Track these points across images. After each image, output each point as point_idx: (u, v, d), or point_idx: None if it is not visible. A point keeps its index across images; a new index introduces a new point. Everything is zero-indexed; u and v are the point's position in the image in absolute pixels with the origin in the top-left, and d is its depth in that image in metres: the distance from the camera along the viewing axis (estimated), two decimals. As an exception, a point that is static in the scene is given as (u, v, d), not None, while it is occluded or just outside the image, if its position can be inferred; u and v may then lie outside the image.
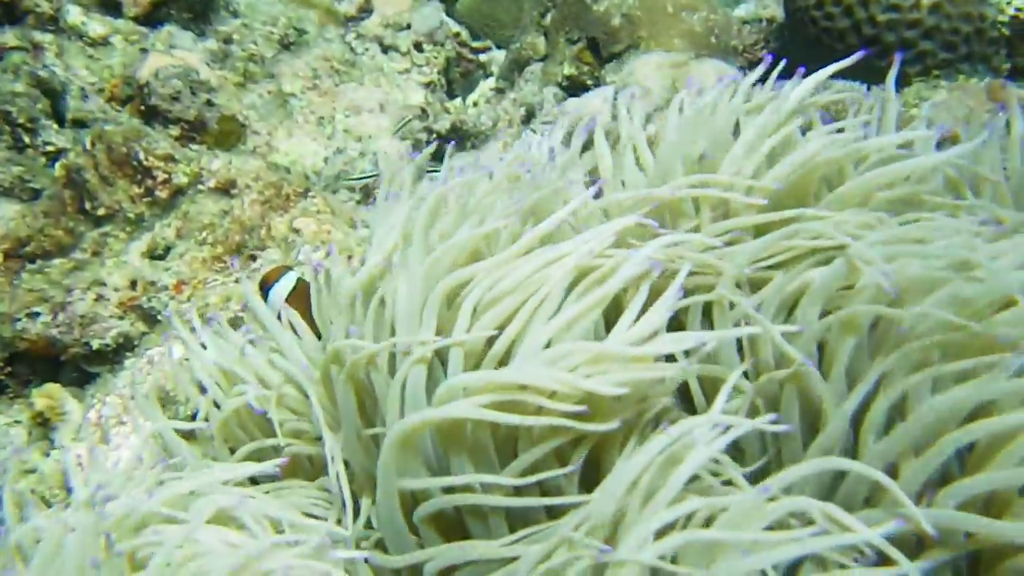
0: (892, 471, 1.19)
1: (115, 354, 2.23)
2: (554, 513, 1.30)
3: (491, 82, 3.40)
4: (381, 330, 1.44)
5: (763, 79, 1.70)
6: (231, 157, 2.46)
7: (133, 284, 2.28)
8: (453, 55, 3.31)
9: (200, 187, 2.39)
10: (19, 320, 2.23)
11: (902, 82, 2.61)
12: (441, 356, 1.39)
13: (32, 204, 2.43)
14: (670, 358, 1.34)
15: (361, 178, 2.72)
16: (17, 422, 2.17)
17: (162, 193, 2.38)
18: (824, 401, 1.28)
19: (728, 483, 1.26)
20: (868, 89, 2.23)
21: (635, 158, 1.67)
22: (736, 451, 1.38)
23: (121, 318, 2.25)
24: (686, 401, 1.44)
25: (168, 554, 1.22)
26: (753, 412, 1.35)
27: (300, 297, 1.75)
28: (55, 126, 2.65)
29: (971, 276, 1.25)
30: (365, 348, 1.37)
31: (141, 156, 2.38)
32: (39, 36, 2.77)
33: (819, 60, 2.86)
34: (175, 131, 2.69)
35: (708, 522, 1.15)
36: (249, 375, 1.57)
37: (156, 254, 2.34)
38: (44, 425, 2.09)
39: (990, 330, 1.19)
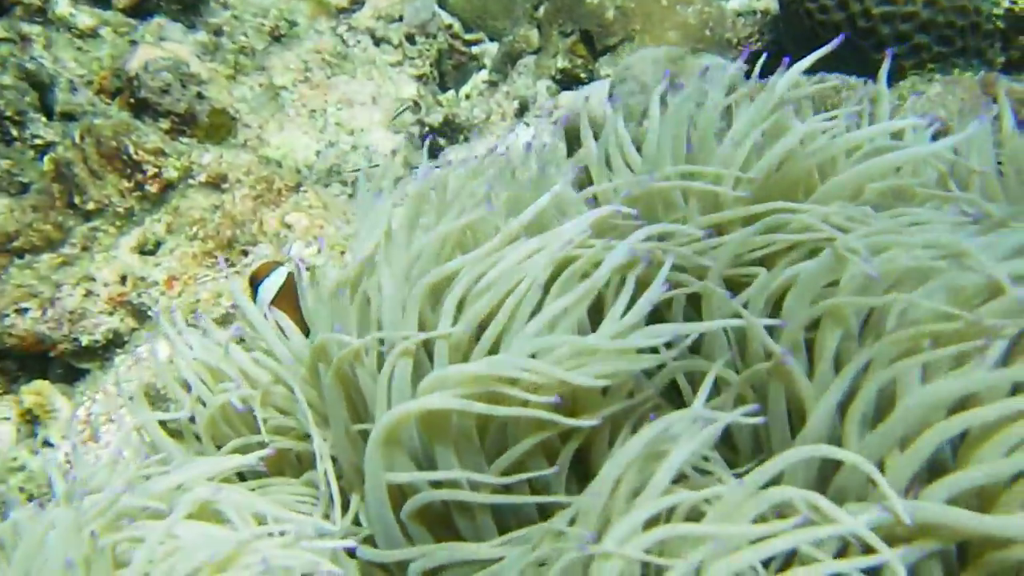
0: (879, 468, 1.17)
1: (105, 350, 2.21)
2: (543, 510, 1.31)
3: (484, 75, 3.37)
4: (367, 326, 1.44)
5: (748, 74, 1.69)
6: (222, 151, 2.44)
7: (123, 279, 2.26)
8: (445, 47, 3.29)
9: (191, 181, 2.37)
10: (7, 316, 2.21)
11: (897, 75, 2.60)
12: (429, 352, 1.40)
13: (20, 198, 2.41)
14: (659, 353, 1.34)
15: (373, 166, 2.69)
16: (6, 419, 2.14)
17: (152, 187, 2.36)
18: (804, 395, 1.28)
19: (719, 480, 1.26)
20: (865, 83, 2.22)
21: (621, 152, 1.67)
22: (730, 449, 1.38)
23: (111, 314, 2.23)
24: (677, 396, 1.43)
25: (151, 551, 1.23)
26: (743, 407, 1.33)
27: (290, 293, 1.73)
28: (43, 119, 2.63)
29: (960, 265, 1.25)
30: (350, 343, 1.37)
31: (131, 150, 2.35)
32: (27, 28, 2.74)
33: (815, 51, 2.84)
34: (165, 124, 2.66)
35: (693, 517, 1.15)
36: (235, 372, 1.57)
37: (146, 249, 2.32)
38: (33, 422, 2.07)
39: (978, 319, 1.19)
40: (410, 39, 3.20)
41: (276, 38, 3.04)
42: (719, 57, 2.35)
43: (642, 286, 1.32)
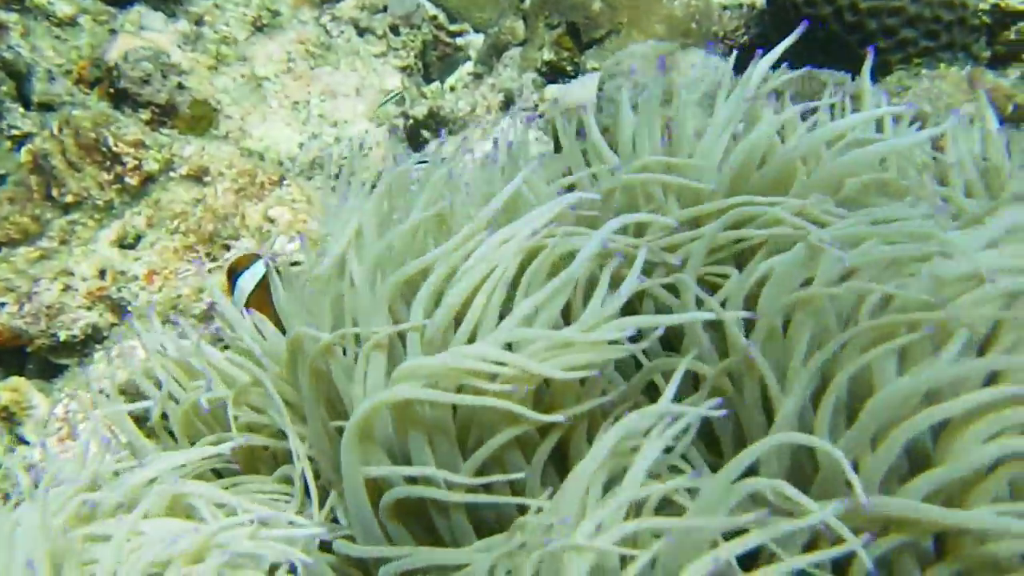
0: (854, 467, 1.17)
1: (83, 346, 2.18)
2: (522, 505, 1.31)
3: (469, 66, 3.34)
4: (341, 323, 1.43)
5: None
6: (204, 143, 2.40)
7: (102, 274, 2.23)
8: (430, 38, 3.25)
9: (172, 174, 2.33)
10: (-16, 310, 2.16)
11: (884, 70, 2.59)
12: (406, 347, 1.40)
13: (-3, 191, 2.36)
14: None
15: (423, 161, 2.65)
16: (-18, 416, 2.10)
17: (132, 180, 2.32)
18: (771, 390, 1.28)
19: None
20: (853, 79, 2.20)
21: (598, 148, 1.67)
22: (716, 454, 1.38)
23: (89, 309, 2.20)
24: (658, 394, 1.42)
25: (119, 546, 1.22)
26: (727, 404, 1.33)
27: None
28: (21, 109, 2.58)
29: (936, 255, 1.26)
30: (323, 338, 1.37)
31: (110, 142, 2.31)
32: (3, 15, 2.69)
33: (801, 46, 2.83)
34: (145, 115, 2.62)
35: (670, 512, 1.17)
36: (208, 370, 1.55)
37: (126, 243, 2.29)
38: (9, 420, 2.03)
39: (949, 310, 1.19)
40: (394, 30, 3.16)
41: (259, 28, 2.99)
42: (707, 52, 2.33)
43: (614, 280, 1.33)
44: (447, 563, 1.29)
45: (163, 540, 1.24)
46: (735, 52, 1.66)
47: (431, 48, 3.29)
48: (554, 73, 2.84)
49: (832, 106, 1.72)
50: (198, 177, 2.32)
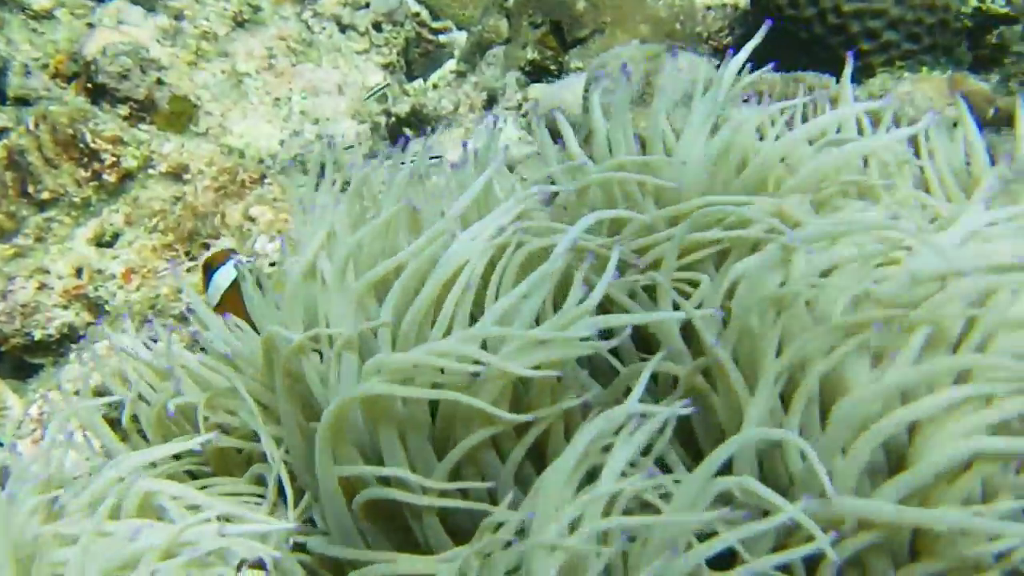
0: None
1: (59, 345, 2.16)
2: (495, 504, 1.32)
3: (452, 64, 3.32)
4: (314, 323, 1.43)
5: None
6: (183, 140, 2.37)
7: (79, 272, 2.20)
8: (412, 36, 3.23)
9: (151, 171, 2.30)
10: (-42, 309, 2.12)
11: (867, 73, 2.59)
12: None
13: (-29, 187, 2.31)
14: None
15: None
16: (-44, 416, 2.07)
17: (110, 177, 2.28)
18: (736, 388, 1.28)
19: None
20: (837, 81, 2.20)
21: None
22: (691, 445, 1.39)
23: (65, 307, 2.17)
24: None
25: (86, 548, 1.22)
26: (703, 403, 1.36)
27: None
28: (-4, 104, 2.53)
29: (907, 254, 1.29)
30: (295, 338, 1.37)
31: (88, 138, 2.28)
32: (-22, 9, 2.63)
33: (784, 48, 2.83)
34: (123, 111, 2.58)
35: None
36: (179, 371, 1.54)
37: (104, 241, 2.26)
38: (-16, 421, 2.00)
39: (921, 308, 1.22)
40: (377, 27, 3.14)
41: (239, 23, 2.96)
42: (694, 54, 2.32)
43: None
44: (415, 572, 1.30)
45: (131, 539, 1.24)
46: (730, 52, 1.65)
47: (414, 45, 3.27)
48: (538, 72, 2.83)
49: (806, 107, 1.73)
50: (177, 175, 2.30)
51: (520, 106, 2.69)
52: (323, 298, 1.42)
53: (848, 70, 1.70)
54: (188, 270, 2.14)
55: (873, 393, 1.17)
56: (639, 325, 1.37)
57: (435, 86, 3.29)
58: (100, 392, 1.80)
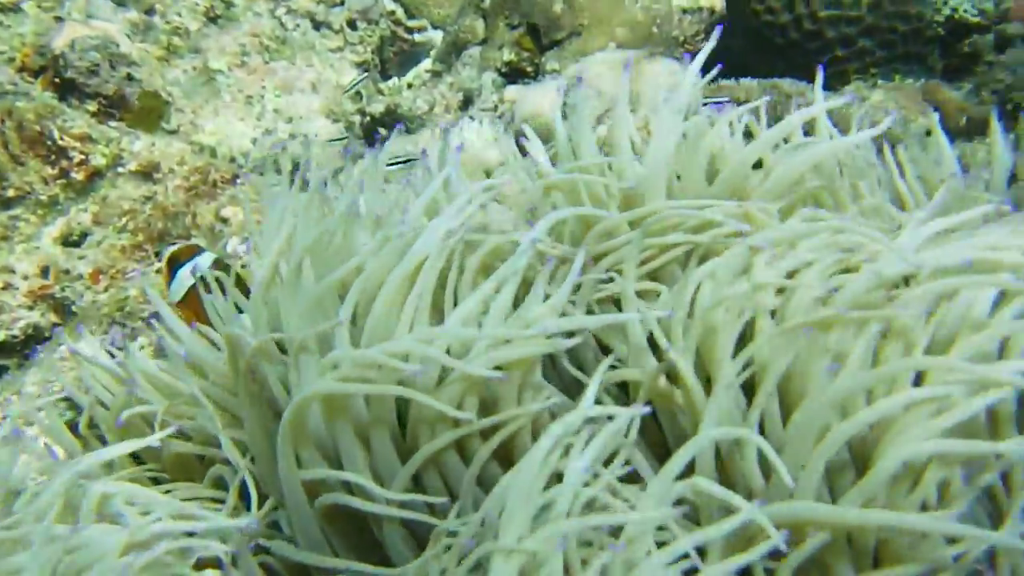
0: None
1: (24, 346, 2.12)
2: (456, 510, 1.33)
3: (427, 63, 3.29)
4: (277, 326, 1.43)
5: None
6: (154, 139, 2.33)
7: (45, 272, 2.16)
8: (388, 34, 3.20)
9: (120, 170, 2.26)
10: (-80, 309, 2.07)
11: (843, 79, 2.61)
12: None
13: (-66, 184, 2.25)
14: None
15: (396, 161, 2.57)
16: (-83, 419, 2.01)
17: (78, 175, 2.24)
18: (691, 390, 1.30)
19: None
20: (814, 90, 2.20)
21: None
22: (658, 446, 1.40)
23: (31, 308, 2.13)
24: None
25: (39, 553, 1.21)
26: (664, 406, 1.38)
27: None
28: (-40, 99, 2.45)
29: (867, 257, 1.31)
30: (253, 342, 1.38)
31: (56, 135, 2.24)
32: (-59, 0, 2.57)
33: (761, 53, 2.84)
34: (92, 106, 2.52)
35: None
36: (139, 377, 1.54)
37: (71, 240, 2.22)
38: (-54, 425, 1.94)
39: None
40: (351, 24, 3.11)
41: (212, 19, 2.92)
42: (675, 62, 2.31)
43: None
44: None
45: (88, 542, 1.23)
46: (686, 57, 1.65)
47: (389, 44, 3.24)
48: (514, 74, 2.81)
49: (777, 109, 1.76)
50: (148, 173, 2.26)
51: (496, 107, 2.67)
52: (282, 301, 1.42)
53: (819, 80, 1.71)
54: (157, 271, 2.10)
55: (831, 398, 1.18)
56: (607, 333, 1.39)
57: (410, 85, 3.26)
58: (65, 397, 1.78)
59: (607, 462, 1.23)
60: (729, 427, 1.24)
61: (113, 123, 2.47)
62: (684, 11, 2.88)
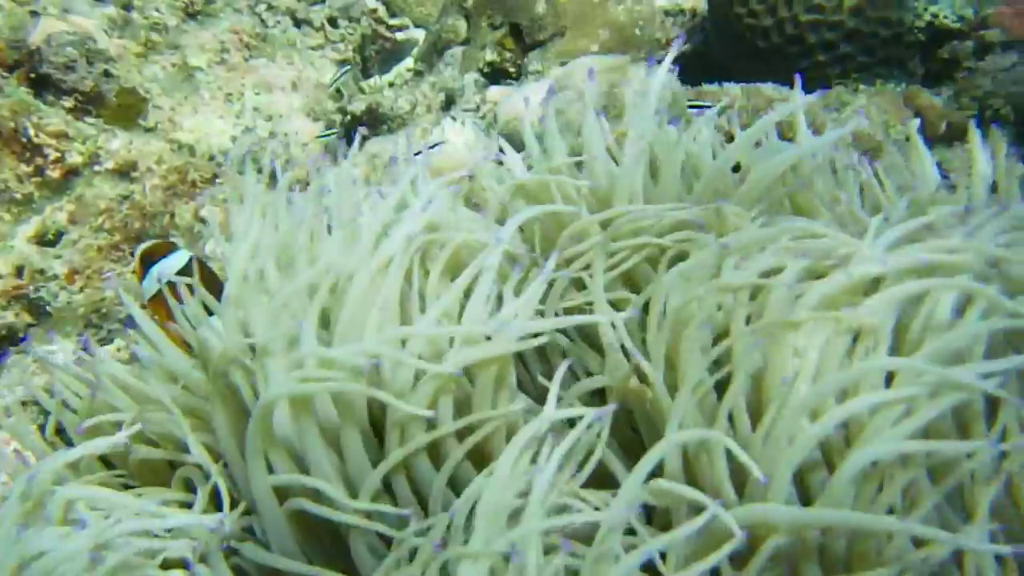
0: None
1: (-3, 348, 2.06)
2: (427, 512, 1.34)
3: (409, 62, 3.27)
4: (248, 331, 1.43)
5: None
6: (131, 137, 2.30)
7: (19, 271, 2.13)
8: (369, 32, 3.18)
9: (97, 168, 2.24)
10: None
11: (824, 84, 2.61)
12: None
13: (-94, 181, 2.22)
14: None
15: None
16: None
17: (54, 173, 2.22)
18: (657, 391, 1.31)
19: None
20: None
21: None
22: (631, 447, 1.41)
23: (5, 308, 2.10)
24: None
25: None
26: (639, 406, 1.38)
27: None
28: (-67, 94, 2.42)
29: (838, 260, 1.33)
30: (224, 346, 1.38)
31: (31, 132, 2.20)
32: (-85, -7, 2.52)
33: (742, 55, 2.85)
34: (68, 103, 2.49)
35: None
36: (105, 381, 1.52)
37: (46, 239, 2.20)
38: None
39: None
40: (332, 22, 3.09)
41: (191, 15, 2.89)
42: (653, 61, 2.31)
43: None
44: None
45: (52, 547, 1.22)
46: (650, 61, 1.65)
47: (370, 42, 3.22)
48: (496, 74, 2.81)
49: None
50: (125, 172, 2.24)
51: (478, 108, 2.67)
52: (248, 305, 1.42)
53: (798, 87, 1.71)
54: (133, 271, 2.07)
55: (801, 401, 1.19)
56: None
57: (391, 84, 3.24)
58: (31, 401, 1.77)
59: (582, 464, 1.25)
60: (694, 429, 1.25)
61: (90, 120, 2.44)
62: (667, 13, 2.89)
